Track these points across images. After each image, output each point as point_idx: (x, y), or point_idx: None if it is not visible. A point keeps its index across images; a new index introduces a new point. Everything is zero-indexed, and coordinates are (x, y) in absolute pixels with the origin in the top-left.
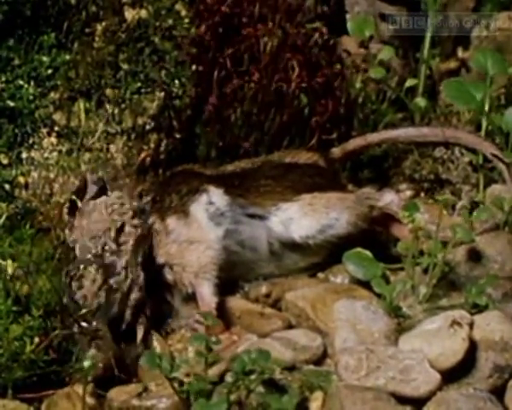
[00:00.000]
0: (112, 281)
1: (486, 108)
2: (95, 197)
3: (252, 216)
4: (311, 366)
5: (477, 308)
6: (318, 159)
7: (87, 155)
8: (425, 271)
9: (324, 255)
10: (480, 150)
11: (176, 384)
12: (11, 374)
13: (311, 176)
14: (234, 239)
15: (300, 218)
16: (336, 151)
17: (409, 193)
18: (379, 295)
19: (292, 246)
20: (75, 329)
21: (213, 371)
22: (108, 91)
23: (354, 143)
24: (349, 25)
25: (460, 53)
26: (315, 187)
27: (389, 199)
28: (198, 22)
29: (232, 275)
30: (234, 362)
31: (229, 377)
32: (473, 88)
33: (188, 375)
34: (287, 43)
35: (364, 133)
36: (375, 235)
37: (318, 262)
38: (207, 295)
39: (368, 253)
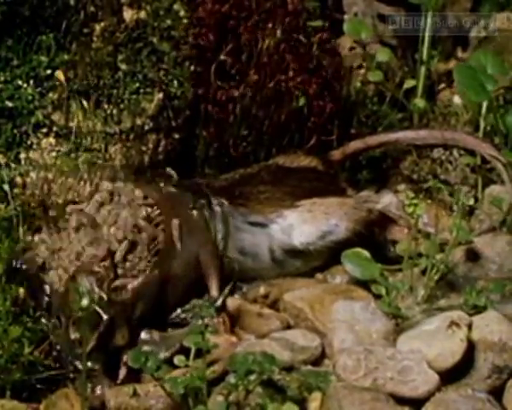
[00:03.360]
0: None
1: (484, 107)
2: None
3: (253, 224)
4: (310, 367)
5: (475, 309)
6: (317, 163)
7: (85, 156)
8: (423, 272)
9: (324, 259)
10: (479, 151)
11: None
12: (10, 376)
13: (310, 180)
14: (235, 247)
15: (301, 224)
16: (336, 153)
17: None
18: (377, 296)
19: (293, 252)
20: (70, 368)
21: (212, 371)
22: (105, 92)
23: (354, 145)
24: (345, 26)
25: (459, 53)
26: (314, 192)
27: (388, 200)
28: (196, 22)
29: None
30: (236, 364)
31: (231, 379)
32: (484, 78)
33: (185, 374)
34: (286, 43)
35: (363, 134)
36: (373, 236)
37: (318, 266)
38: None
39: (366, 253)
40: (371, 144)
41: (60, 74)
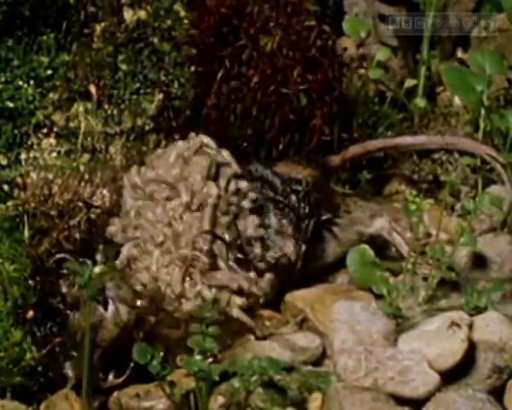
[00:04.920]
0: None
1: (485, 103)
2: None
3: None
4: (310, 367)
5: (476, 309)
6: (315, 175)
7: (86, 156)
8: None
9: None
10: (478, 154)
11: (167, 386)
12: (10, 379)
13: None
14: None
15: None
16: (335, 159)
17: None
18: (378, 297)
19: None
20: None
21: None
22: (105, 92)
23: (353, 150)
24: (344, 25)
25: (460, 54)
26: None
27: (379, 225)
28: (197, 23)
29: None
30: (241, 367)
31: (235, 382)
32: (474, 79)
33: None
34: (286, 44)
35: (365, 133)
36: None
37: None
38: None
39: (371, 253)
40: (370, 149)
41: (92, 88)
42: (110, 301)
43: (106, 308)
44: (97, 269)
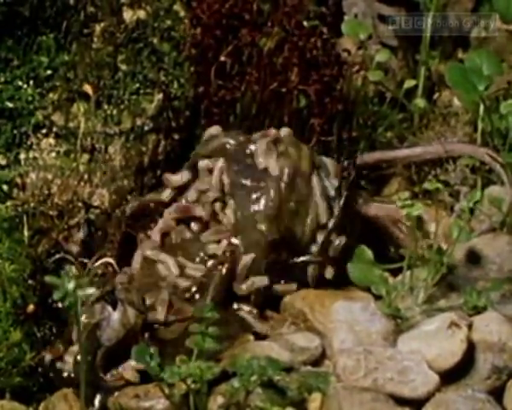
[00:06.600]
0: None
1: (482, 108)
2: None
3: None
4: (310, 368)
5: (475, 310)
6: None
7: (85, 156)
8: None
9: None
10: (477, 157)
11: (166, 387)
12: (10, 379)
13: None
14: None
15: None
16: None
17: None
18: (377, 297)
19: None
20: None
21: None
22: (105, 92)
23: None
24: (343, 27)
25: (460, 54)
26: None
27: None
28: (196, 23)
29: None
30: (241, 367)
31: (235, 382)
32: (476, 78)
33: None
34: (286, 44)
35: (364, 133)
36: (374, 235)
37: None
38: None
39: (369, 253)
40: (366, 162)
41: (88, 88)
42: (119, 303)
43: (114, 309)
44: (71, 285)
